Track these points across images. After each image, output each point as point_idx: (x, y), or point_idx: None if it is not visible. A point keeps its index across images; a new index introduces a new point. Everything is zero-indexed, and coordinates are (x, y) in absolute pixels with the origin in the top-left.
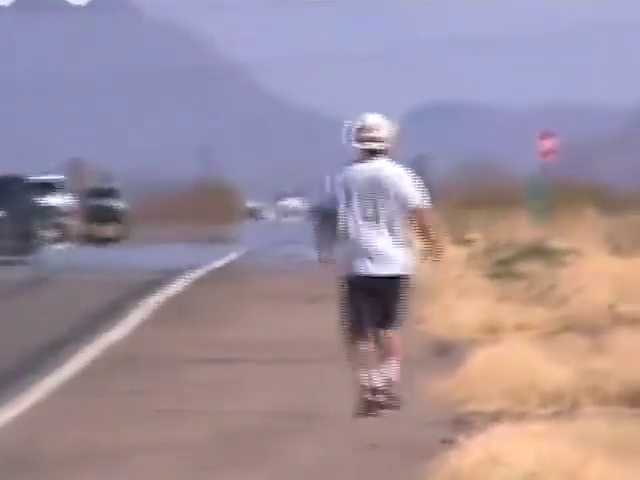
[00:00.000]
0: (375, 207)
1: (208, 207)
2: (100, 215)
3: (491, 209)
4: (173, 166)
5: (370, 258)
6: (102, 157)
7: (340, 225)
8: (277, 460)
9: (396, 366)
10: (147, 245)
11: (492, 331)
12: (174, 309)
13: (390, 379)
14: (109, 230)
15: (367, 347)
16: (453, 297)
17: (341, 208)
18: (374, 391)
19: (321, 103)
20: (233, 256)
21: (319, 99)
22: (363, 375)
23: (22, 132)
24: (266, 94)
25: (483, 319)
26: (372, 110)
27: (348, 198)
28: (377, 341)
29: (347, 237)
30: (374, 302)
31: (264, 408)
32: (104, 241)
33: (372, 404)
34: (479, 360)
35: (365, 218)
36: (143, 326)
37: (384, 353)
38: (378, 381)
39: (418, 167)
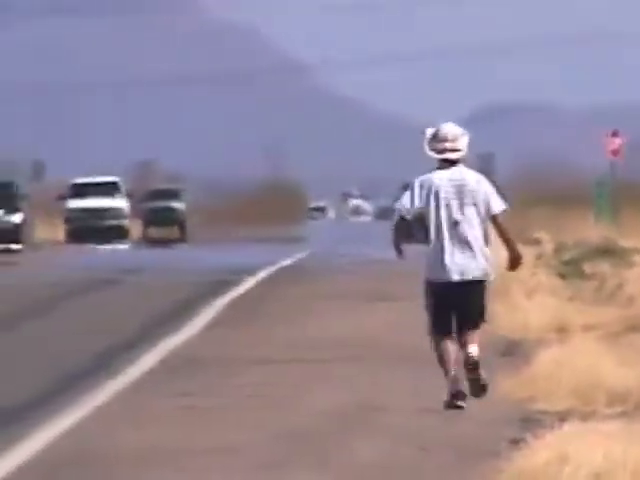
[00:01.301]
0: (458, 213)
1: (274, 207)
2: (160, 217)
3: (557, 209)
4: (240, 166)
5: (454, 263)
6: (170, 158)
7: (425, 230)
8: (341, 460)
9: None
10: (213, 245)
11: (559, 331)
12: (242, 309)
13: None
14: (169, 232)
15: (453, 346)
16: (521, 296)
17: (425, 214)
18: (459, 392)
19: (388, 104)
20: (300, 255)
21: (386, 100)
22: (451, 374)
23: (89, 133)
24: (332, 94)
25: (551, 319)
26: (436, 111)
27: (432, 204)
28: (461, 346)
29: (431, 242)
30: (457, 306)
31: (329, 408)
32: (164, 243)
33: (459, 398)
34: (546, 359)
35: (449, 224)
36: (211, 326)
37: (470, 363)
38: (461, 383)
39: (484, 166)
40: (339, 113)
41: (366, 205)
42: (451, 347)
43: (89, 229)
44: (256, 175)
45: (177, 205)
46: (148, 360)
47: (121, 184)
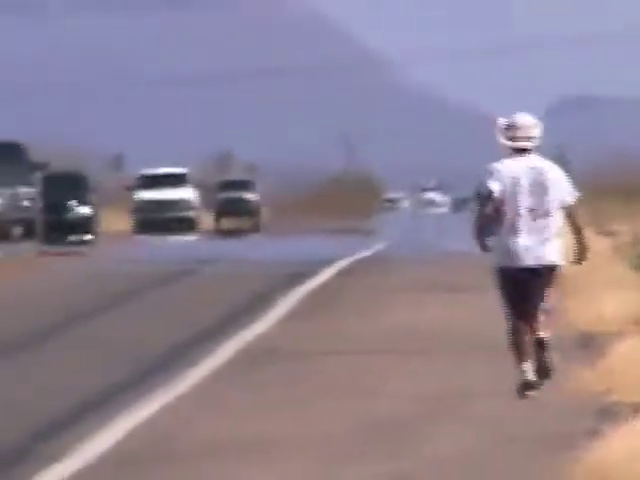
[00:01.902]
0: (531, 201)
1: (348, 199)
2: (233, 208)
3: (635, 201)
4: (316, 158)
5: (526, 250)
6: (247, 150)
7: (498, 218)
8: (420, 450)
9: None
10: (287, 237)
11: (636, 323)
12: (318, 301)
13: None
14: (241, 223)
15: (526, 333)
16: (597, 289)
17: (499, 202)
18: (530, 382)
19: (464, 96)
20: (375, 247)
21: (464, 92)
22: (525, 362)
23: (163, 124)
24: (410, 87)
25: (627, 311)
26: (513, 104)
27: (506, 192)
28: (533, 329)
29: (504, 229)
30: (528, 292)
31: (405, 399)
32: (236, 234)
33: (531, 387)
34: (622, 352)
35: (522, 211)
36: (288, 318)
37: (539, 344)
38: (533, 373)
39: (559, 157)
40: (417, 105)
41: (441, 197)
42: (524, 333)
43: (156, 221)
44: (332, 167)
45: (250, 196)
46: (226, 351)
47: (190, 175)
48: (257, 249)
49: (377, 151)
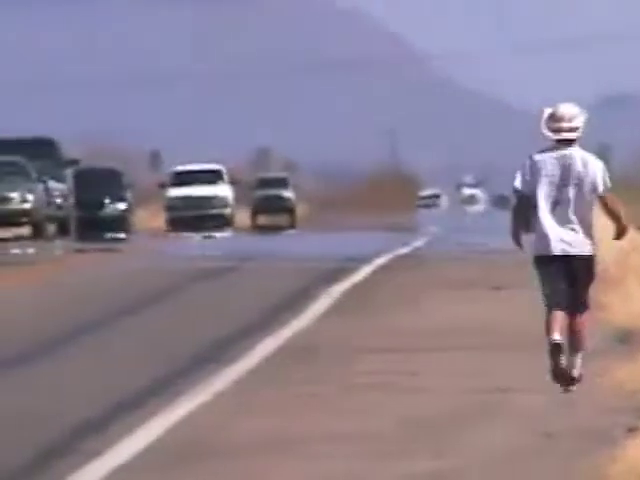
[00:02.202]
0: (567, 192)
1: (388, 195)
2: (270, 205)
3: None
4: (357, 154)
5: (561, 240)
6: (287, 145)
7: (534, 209)
8: (457, 449)
9: (580, 360)
10: (326, 233)
11: None
12: (358, 297)
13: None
14: (278, 220)
15: (561, 318)
16: (636, 285)
17: (535, 192)
18: (565, 371)
19: (504, 91)
20: (414, 244)
21: (502, 88)
22: (555, 334)
23: (207, 122)
24: (453, 83)
25: None
26: (556, 100)
27: (543, 183)
28: (569, 324)
29: (540, 220)
30: (564, 281)
31: (444, 397)
32: (272, 230)
33: (565, 374)
34: None
35: (557, 202)
36: (327, 314)
37: (574, 342)
38: (568, 363)
39: (602, 156)
40: (460, 102)
41: (480, 194)
42: (558, 318)
43: (190, 218)
44: (372, 163)
45: (287, 193)
46: (266, 347)
47: (224, 172)
48: (296, 245)
49: (419, 148)
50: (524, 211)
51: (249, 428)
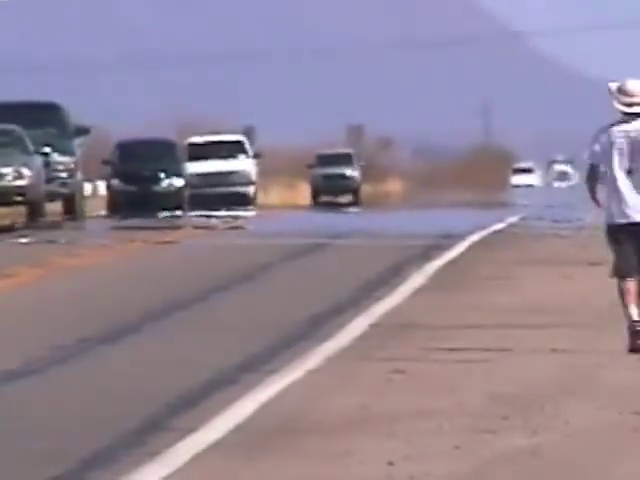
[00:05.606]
0: (635, 163)
1: (484, 170)
2: (332, 185)
3: None
4: (450, 131)
5: (629, 207)
6: (381, 122)
7: (604, 179)
8: (551, 426)
9: None
10: (423, 209)
11: None
12: (453, 274)
13: None
14: (340, 200)
15: (634, 287)
16: None
17: (606, 164)
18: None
19: (597, 69)
20: (508, 220)
21: (600, 66)
22: (633, 311)
23: (301, 99)
24: (547, 60)
25: None
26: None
27: (612, 155)
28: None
29: (610, 190)
30: (634, 247)
31: (536, 374)
32: (337, 208)
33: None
34: None
35: (625, 172)
36: (420, 291)
37: None
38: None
39: None
40: (553, 79)
41: (572, 170)
42: (632, 288)
43: (207, 196)
44: (467, 139)
45: (350, 172)
46: (359, 325)
47: (247, 143)
48: (391, 223)
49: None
50: (592, 180)
51: (340, 405)
